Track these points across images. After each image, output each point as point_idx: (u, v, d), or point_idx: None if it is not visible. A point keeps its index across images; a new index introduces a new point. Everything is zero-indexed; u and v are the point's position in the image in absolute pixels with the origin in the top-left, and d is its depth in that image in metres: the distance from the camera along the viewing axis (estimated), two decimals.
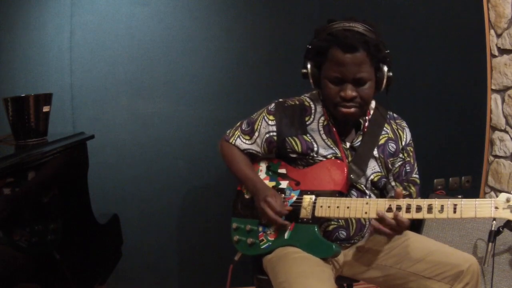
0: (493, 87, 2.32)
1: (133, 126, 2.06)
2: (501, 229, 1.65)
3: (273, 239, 1.38)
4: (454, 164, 2.36)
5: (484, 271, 1.79)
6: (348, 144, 1.39)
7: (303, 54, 1.35)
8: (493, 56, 2.29)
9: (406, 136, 1.44)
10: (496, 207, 1.08)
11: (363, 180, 1.38)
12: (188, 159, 2.12)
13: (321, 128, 1.39)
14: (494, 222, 1.65)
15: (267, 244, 1.39)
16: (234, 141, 1.49)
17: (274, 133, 1.41)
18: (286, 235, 1.35)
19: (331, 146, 1.38)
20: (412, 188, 1.44)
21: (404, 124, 1.46)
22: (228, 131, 1.54)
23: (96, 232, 1.67)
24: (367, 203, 1.23)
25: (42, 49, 1.95)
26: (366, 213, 1.23)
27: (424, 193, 2.07)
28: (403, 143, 1.43)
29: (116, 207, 1.97)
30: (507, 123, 2.23)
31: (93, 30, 1.99)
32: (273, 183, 1.43)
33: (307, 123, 1.40)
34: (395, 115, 1.47)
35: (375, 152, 1.38)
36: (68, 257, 1.39)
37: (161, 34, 2.05)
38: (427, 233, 1.98)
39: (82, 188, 1.64)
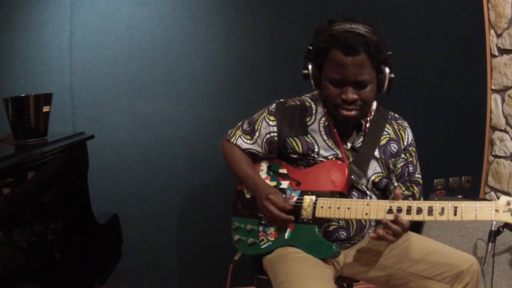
0: (493, 87, 2.32)
1: (133, 126, 2.06)
2: (501, 229, 1.65)
3: (273, 239, 1.38)
4: (454, 164, 2.36)
5: (484, 271, 1.79)
6: (349, 145, 1.39)
7: (304, 55, 1.35)
8: (493, 56, 2.29)
9: (408, 136, 1.44)
10: (497, 210, 1.08)
11: (364, 181, 1.38)
12: (188, 159, 2.12)
13: (322, 129, 1.39)
14: (494, 222, 1.65)
15: (267, 244, 1.39)
16: (235, 140, 1.49)
17: (275, 134, 1.41)
18: (286, 235, 1.36)
19: (332, 147, 1.38)
20: (415, 188, 1.44)
21: (405, 124, 1.46)
22: (229, 131, 1.54)
23: (96, 232, 1.67)
24: (367, 205, 1.23)
25: (42, 49, 1.95)
26: (366, 214, 1.23)
27: (424, 193, 2.08)
28: (405, 144, 1.42)
29: (116, 207, 1.97)
30: (507, 123, 2.23)
31: (93, 30, 1.99)
32: (274, 183, 1.43)
33: (308, 123, 1.40)
34: (396, 115, 1.47)
35: (376, 153, 1.38)
36: (68, 257, 1.39)
37: (161, 34, 2.05)
38: (427, 233, 1.98)
39: (82, 188, 1.64)
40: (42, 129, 1.51)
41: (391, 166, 1.41)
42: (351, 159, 1.37)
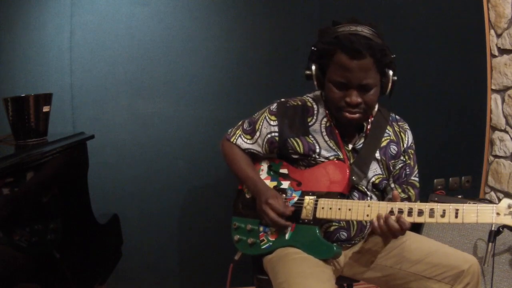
0: (493, 87, 2.32)
1: (133, 126, 2.06)
2: (501, 229, 1.65)
3: (273, 239, 1.38)
4: (454, 164, 2.36)
5: (484, 271, 1.79)
6: (350, 146, 1.38)
7: (305, 55, 1.34)
8: (493, 56, 2.29)
9: (408, 138, 1.44)
10: (498, 213, 1.07)
11: (364, 182, 1.38)
12: (188, 159, 2.12)
13: (323, 130, 1.39)
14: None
15: (267, 244, 1.39)
16: (235, 140, 1.49)
17: (276, 134, 1.41)
18: (287, 236, 1.35)
19: (333, 147, 1.38)
20: (411, 191, 1.44)
21: (406, 126, 1.46)
22: (229, 130, 1.54)
23: (96, 232, 1.67)
24: (368, 206, 1.23)
25: (42, 49, 1.95)
26: (368, 215, 1.22)
27: (424, 193, 2.08)
28: (405, 146, 1.42)
29: (116, 207, 1.97)
30: (507, 123, 2.23)
31: (93, 30, 1.99)
32: (274, 183, 1.43)
33: (310, 124, 1.39)
34: (397, 117, 1.47)
35: (377, 154, 1.38)
36: (68, 257, 1.39)
37: (161, 34, 2.05)
38: (427, 233, 1.98)
39: (82, 188, 1.64)
40: (42, 129, 1.51)
41: (391, 167, 1.41)
42: (352, 160, 1.37)
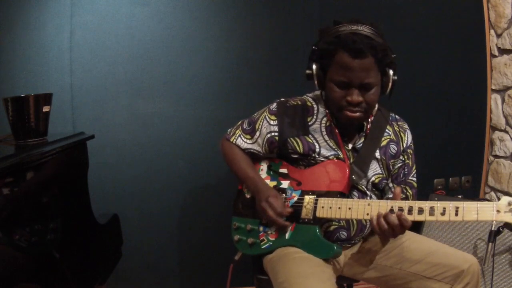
0: (493, 87, 2.32)
1: (133, 126, 2.06)
2: (501, 229, 1.65)
3: (273, 239, 1.38)
4: (454, 164, 2.36)
5: (484, 271, 1.79)
6: (350, 146, 1.39)
7: (306, 55, 1.34)
8: (493, 56, 2.30)
9: (408, 138, 1.44)
10: (498, 211, 1.08)
11: (364, 182, 1.38)
12: (188, 159, 2.12)
13: (323, 129, 1.39)
14: (494, 222, 1.65)
15: (267, 244, 1.39)
16: (235, 140, 1.49)
17: (276, 133, 1.41)
18: (287, 235, 1.35)
19: (333, 147, 1.38)
20: (409, 191, 1.44)
21: (405, 126, 1.46)
22: (229, 130, 1.54)
23: (96, 232, 1.67)
24: (369, 205, 1.23)
25: (42, 49, 1.95)
26: (368, 214, 1.22)
27: (424, 193, 2.08)
28: (404, 145, 1.42)
29: (116, 207, 1.97)
30: (507, 123, 2.23)
31: (93, 30, 1.99)
32: (274, 183, 1.43)
33: (309, 123, 1.40)
34: (397, 116, 1.47)
35: (377, 154, 1.38)
36: (68, 257, 1.39)
37: (161, 34, 2.05)
38: (427, 233, 1.98)
39: (82, 188, 1.64)
40: (42, 129, 1.51)
41: (391, 167, 1.41)
42: (352, 160, 1.37)
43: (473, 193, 2.38)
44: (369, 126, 1.39)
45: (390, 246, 1.37)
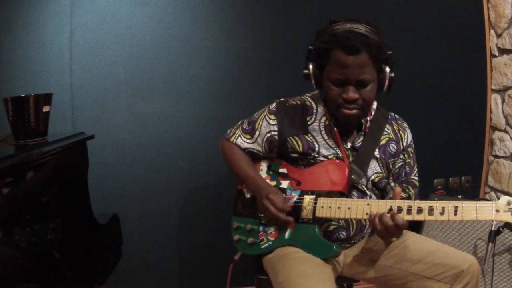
0: (493, 87, 2.32)
1: (133, 126, 2.06)
2: (501, 229, 1.65)
3: (273, 239, 1.38)
4: (454, 164, 2.36)
5: (484, 271, 1.79)
6: (349, 145, 1.39)
7: (305, 55, 1.35)
8: (493, 56, 2.29)
9: (407, 137, 1.44)
10: (497, 210, 1.07)
11: (363, 181, 1.38)
12: (188, 159, 2.12)
13: (322, 128, 1.39)
14: (494, 222, 1.65)
15: (267, 244, 1.39)
16: (235, 140, 1.49)
17: (275, 133, 1.41)
18: (286, 235, 1.36)
19: (332, 146, 1.38)
20: (411, 190, 1.44)
21: (405, 125, 1.46)
22: (229, 130, 1.54)
23: (96, 232, 1.67)
24: (368, 204, 1.23)
25: (42, 49, 1.95)
26: (367, 214, 1.23)
27: (424, 193, 2.08)
28: (404, 144, 1.43)
29: (116, 207, 1.97)
30: (507, 123, 2.23)
31: (93, 30, 1.99)
32: (274, 183, 1.43)
33: (309, 123, 1.40)
34: (396, 116, 1.47)
35: (376, 153, 1.38)
36: (68, 257, 1.39)
37: (161, 34, 2.05)
38: (427, 233, 1.98)
39: (82, 188, 1.64)
40: (42, 129, 1.51)
41: (390, 166, 1.41)
42: (351, 159, 1.37)
43: (473, 193, 2.38)
44: (368, 125, 1.39)
45: (390, 246, 1.37)
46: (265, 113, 1.44)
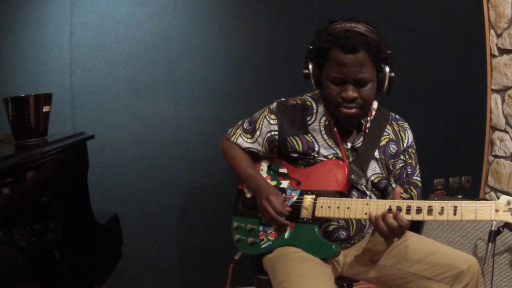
0: (493, 87, 2.32)
1: (133, 126, 2.06)
2: (501, 229, 1.65)
3: (273, 238, 1.38)
4: (454, 164, 2.36)
5: (484, 271, 1.79)
6: (349, 145, 1.39)
7: (304, 55, 1.35)
8: (493, 56, 2.29)
9: (408, 137, 1.44)
10: (497, 210, 1.07)
11: (363, 181, 1.38)
12: (188, 159, 2.12)
13: (322, 128, 1.39)
14: (494, 222, 1.65)
15: (267, 244, 1.39)
16: (235, 139, 1.49)
17: (276, 133, 1.41)
18: (286, 235, 1.36)
19: (332, 146, 1.38)
20: (414, 191, 1.44)
21: (406, 125, 1.46)
22: (229, 130, 1.54)
23: (96, 232, 1.67)
24: (367, 204, 1.23)
25: (42, 49, 1.95)
26: (366, 214, 1.23)
27: (424, 193, 2.08)
28: (405, 145, 1.42)
29: (116, 207, 1.97)
30: (507, 123, 2.23)
31: (93, 30, 1.99)
32: (274, 183, 1.43)
33: (309, 122, 1.40)
34: (397, 116, 1.47)
35: (376, 153, 1.38)
36: (68, 257, 1.39)
37: (161, 34, 2.05)
38: (427, 233, 1.98)
39: (82, 188, 1.64)
40: (42, 129, 1.51)
41: (390, 167, 1.41)
42: (351, 159, 1.37)
43: (473, 193, 2.38)
44: (368, 125, 1.39)
45: (390, 246, 1.37)
46: (266, 113, 1.45)
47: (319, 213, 1.31)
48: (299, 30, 2.13)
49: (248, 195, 1.48)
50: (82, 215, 1.60)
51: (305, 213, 1.33)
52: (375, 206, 1.21)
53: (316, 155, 1.37)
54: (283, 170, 1.44)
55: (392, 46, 1.28)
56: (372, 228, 1.42)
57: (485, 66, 2.31)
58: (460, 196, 2.18)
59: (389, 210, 1.18)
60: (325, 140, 1.38)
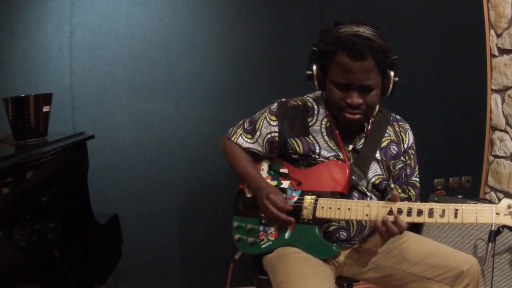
0: (493, 87, 2.32)
1: (133, 126, 2.06)
2: (501, 229, 1.65)
3: (273, 238, 1.38)
4: (454, 164, 2.36)
5: (484, 271, 1.79)
6: (350, 147, 1.38)
7: (306, 55, 1.34)
8: (493, 56, 2.29)
9: (409, 138, 1.43)
10: (498, 213, 1.07)
11: (364, 183, 1.38)
12: (188, 159, 2.12)
13: (323, 130, 1.39)
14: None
15: (267, 244, 1.39)
16: (236, 139, 1.49)
17: (276, 134, 1.41)
18: (286, 235, 1.36)
19: (334, 148, 1.38)
20: (412, 191, 1.44)
21: (407, 126, 1.46)
22: (230, 129, 1.54)
23: (96, 232, 1.67)
24: (368, 206, 1.23)
25: (42, 49, 1.95)
26: (367, 215, 1.23)
27: (424, 193, 2.08)
28: (405, 146, 1.42)
29: (116, 207, 1.97)
30: (507, 123, 2.23)
31: (93, 30, 1.99)
32: (274, 183, 1.43)
33: (310, 124, 1.40)
34: (398, 117, 1.46)
35: (377, 155, 1.38)
36: (68, 257, 1.39)
37: (161, 34, 2.05)
38: (427, 234, 1.98)
39: (82, 188, 1.64)
40: (42, 129, 1.51)
41: (391, 168, 1.40)
42: (352, 161, 1.37)
43: (473, 193, 2.38)
44: (369, 127, 1.39)
45: (390, 247, 1.37)
46: (266, 114, 1.44)
47: (319, 213, 1.31)
48: (299, 30, 2.13)
49: (249, 195, 1.48)
50: (82, 215, 1.60)
51: (305, 214, 1.33)
52: (376, 208, 1.21)
53: (317, 157, 1.37)
54: (284, 170, 1.44)
55: (392, 46, 1.28)
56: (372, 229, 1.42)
57: (485, 66, 2.31)
58: (460, 196, 2.18)
59: (390, 212, 1.18)
60: (326, 141, 1.38)
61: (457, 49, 2.28)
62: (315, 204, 1.32)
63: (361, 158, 1.36)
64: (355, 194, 1.37)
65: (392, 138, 1.41)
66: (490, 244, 1.63)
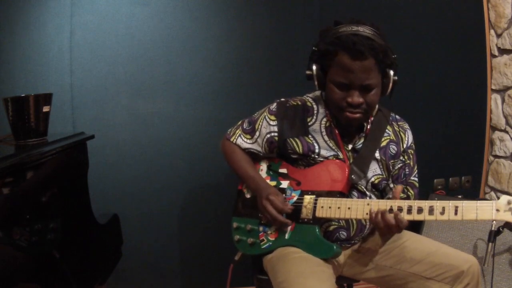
0: (493, 87, 2.32)
1: (133, 126, 2.06)
2: (501, 229, 1.65)
3: (273, 239, 1.38)
4: (454, 164, 2.36)
5: (484, 271, 1.79)
6: (350, 146, 1.38)
7: (306, 55, 1.34)
8: (493, 56, 2.29)
9: (408, 138, 1.43)
10: (498, 210, 1.07)
11: (363, 182, 1.38)
12: (188, 159, 2.12)
13: (323, 130, 1.39)
14: (494, 222, 1.65)
15: (267, 244, 1.39)
16: (235, 140, 1.49)
17: (275, 134, 1.41)
18: (286, 235, 1.35)
19: (333, 147, 1.38)
20: (411, 191, 1.44)
21: (406, 126, 1.46)
22: (229, 130, 1.54)
23: (96, 232, 1.67)
24: (368, 204, 1.23)
25: (42, 49, 1.95)
26: (367, 214, 1.23)
27: (424, 193, 2.08)
28: (405, 146, 1.42)
29: (116, 207, 1.97)
30: (507, 123, 2.23)
31: (93, 30, 1.99)
32: (274, 183, 1.43)
33: (309, 124, 1.39)
34: (397, 116, 1.46)
35: (377, 154, 1.38)
36: (68, 257, 1.39)
37: (161, 34, 2.05)
38: (427, 233, 1.98)
39: (82, 188, 1.64)
40: (42, 129, 1.51)
41: (391, 167, 1.40)
42: (351, 160, 1.37)
43: (473, 193, 2.38)
44: (369, 126, 1.39)
45: (390, 246, 1.37)
46: (266, 114, 1.44)
47: (319, 213, 1.31)
48: (299, 30, 2.13)
49: (248, 196, 1.48)
50: (82, 215, 1.60)
51: (305, 214, 1.33)
52: (376, 206, 1.21)
53: (316, 157, 1.37)
54: (283, 170, 1.44)
55: (392, 47, 1.28)
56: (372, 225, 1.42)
57: (485, 66, 2.31)
58: (460, 196, 2.18)
59: (391, 210, 1.18)
60: (325, 141, 1.38)
61: (457, 49, 2.28)
62: (315, 203, 1.32)
63: (361, 157, 1.36)
64: (355, 193, 1.37)
65: (391, 137, 1.41)
66: (490, 244, 1.63)
